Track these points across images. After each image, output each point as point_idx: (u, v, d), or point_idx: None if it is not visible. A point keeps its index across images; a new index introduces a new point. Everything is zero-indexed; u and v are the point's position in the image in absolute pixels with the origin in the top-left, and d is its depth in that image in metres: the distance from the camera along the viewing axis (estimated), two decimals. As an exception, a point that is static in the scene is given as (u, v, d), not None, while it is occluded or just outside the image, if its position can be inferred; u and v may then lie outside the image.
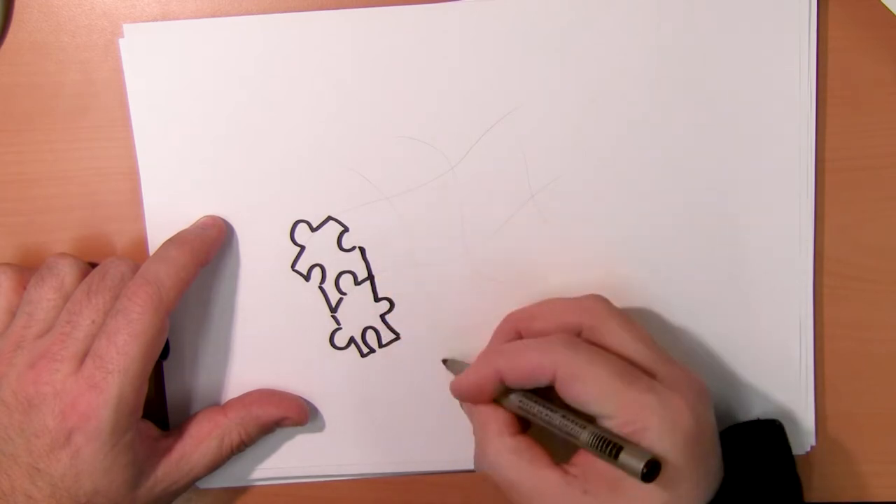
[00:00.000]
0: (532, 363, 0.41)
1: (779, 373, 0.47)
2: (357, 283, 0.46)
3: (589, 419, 0.40)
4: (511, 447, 0.41)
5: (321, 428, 0.47)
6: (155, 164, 0.45)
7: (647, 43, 0.45)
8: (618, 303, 0.45)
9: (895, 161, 0.47)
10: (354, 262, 0.46)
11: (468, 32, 0.45)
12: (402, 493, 0.48)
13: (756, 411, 0.47)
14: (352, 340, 0.47)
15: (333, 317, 0.46)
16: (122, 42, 0.45)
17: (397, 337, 0.47)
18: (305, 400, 0.47)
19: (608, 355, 0.41)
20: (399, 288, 0.46)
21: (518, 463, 0.41)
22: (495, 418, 0.42)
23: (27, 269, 0.44)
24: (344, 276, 0.46)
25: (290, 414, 0.45)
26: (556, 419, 0.40)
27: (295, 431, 0.47)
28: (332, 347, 0.47)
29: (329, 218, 0.46)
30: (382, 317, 0.46)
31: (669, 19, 0.45)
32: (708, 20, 0.45)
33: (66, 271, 0.43)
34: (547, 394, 0.42)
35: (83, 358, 0.40)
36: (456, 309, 0.46)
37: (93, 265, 0.44)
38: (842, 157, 0.46)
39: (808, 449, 0.47)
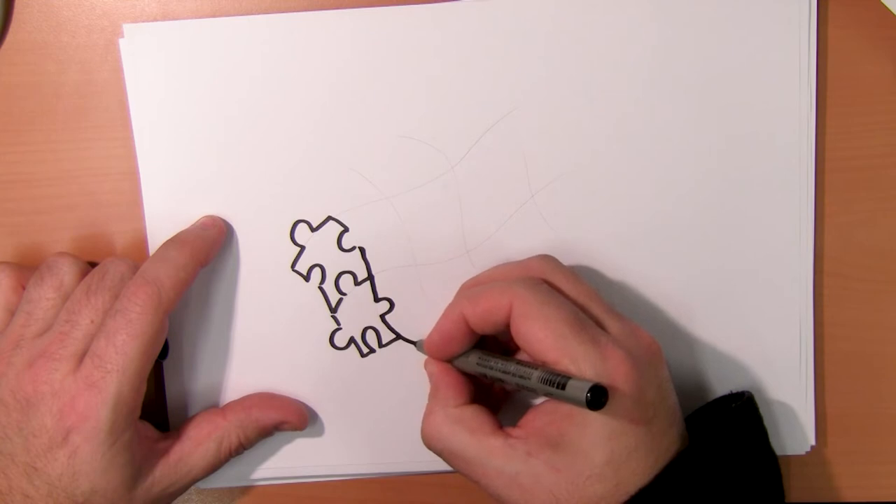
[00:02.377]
0: (492, 301, 0.41)
1: (779, 373, 0.47)
2: (357, 283, 0.46)
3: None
4: (454, 417, 0.42)
5: (321, 428, 0.47)
6: (155, 164, 0.45)
7: (647, 43, 0.45)
8: (617, 302, 0.45)
9: (895, 161, 0.47)
10: (354, 262, 0.46)
11: (468, 32, 0.45)
12: (402, 493, 0.48)
13: (756, 411, 0.47)
14: (352, 340, 0.47)
15: (333, 317, 0.46)
16: (122, 42, 0.45)
17: (397, 337, 0.46)
18: (305, 404, 0.47)
19: (564, 300, 0.41)
20: (399, 288, 0.46)
21: (459, 432, 0.41)
22: (446, 385, 0.43)
23: (27, 268, 0.44)
24: (344, 276, 0.46)
25: (289, 418, 0.45)
26: (511, 365, 0.41)
27: (295, 432, 0.47)
28: (332, 347, 0.47)
29: (329, 218, 0.46)
30: (382, 317, 0.46)
31: (669, 19, 0.45)
32: (708, 20, 0.45)
33: (66, 271, 0.43)
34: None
35: (82, 357, 0.40)
36: (456, 309, 0.46)
37: (93, 265, 0.44)
38: (842, 157, 0.46)
39: (808, 449, 0.47)
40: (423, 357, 0.46)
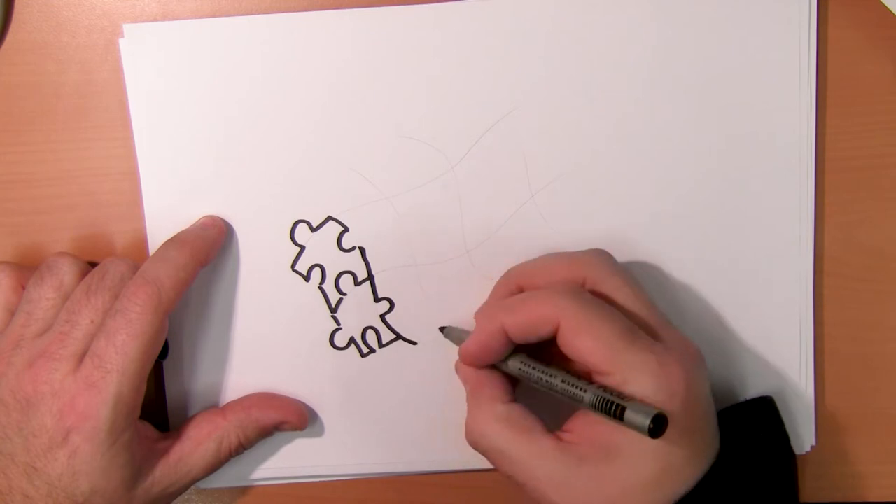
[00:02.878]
0: (536, 313, 0.40)
1: (779, 373, 0.47)
2: (357, 283, 0.46)
3: (586, 375, 0.40)
4: (502, 415, 0.41)
5: (321, 428, 0.47)
6: (155, 164, 0.45)
7: (647, 43, 0.45)
8: (618, 302, 0.45)
9: (895, 161, 0.47)
10: (354, 262, 0.46)
11: (468, 32, 0.45)
12: (402, 493, 0.48)
13: (756, 411, 0.47)
14: (352, 340, 0.47)
15: (333, 317, 0.46)
16: (122, 42, 0.45)
17: (397, 337, 0.46)
18: (305, 404, 0.46)
19: (613, 310, 0.40)
20: (399, 288, 0.46)
21: (508, 431, 0.40)
22: (489, 384, 0.42)
23: (27, 267, 0.44)
24: (344, 276, 0.46)
25: (289, 418, 0.45)
26: (557, 383, 0.40)
27: (295, 432, 0.47)
28: (332, 347, 0.47)
29: (329, 218, 0.46)
30: (382, 317, 0.46)
31: (669, 19, 0.45)
32: (708, 20, 0.45)
33: (66, 271, 0.43)
34: (546, 357, 0.42)
35: (82, 357, 0.40)
36: (456, 309, 0.46)
37: (93, 265, 0.44)
38: (842, 157, 0.46)
39: (808, 449, 0.47)
40: (422, 358, 0.46)
